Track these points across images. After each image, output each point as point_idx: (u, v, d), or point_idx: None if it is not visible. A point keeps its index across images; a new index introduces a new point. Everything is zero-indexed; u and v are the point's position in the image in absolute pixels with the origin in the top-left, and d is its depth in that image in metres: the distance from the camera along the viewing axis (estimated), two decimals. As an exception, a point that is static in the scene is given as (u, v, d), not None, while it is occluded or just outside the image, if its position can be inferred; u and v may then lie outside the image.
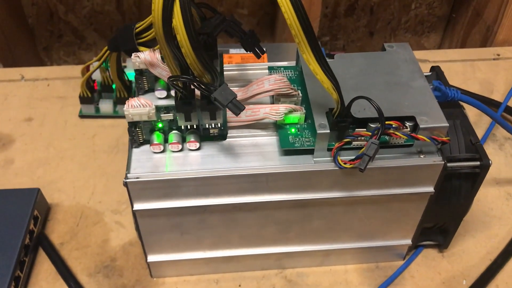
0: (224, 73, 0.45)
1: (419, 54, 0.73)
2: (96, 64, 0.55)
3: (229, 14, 0.37)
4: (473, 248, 0.49)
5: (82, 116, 0.61)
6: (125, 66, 0.60)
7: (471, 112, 0.55)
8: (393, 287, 0.46)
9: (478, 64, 0.70)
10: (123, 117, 0.62)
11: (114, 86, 0.59)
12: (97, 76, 0.59)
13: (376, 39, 0.90)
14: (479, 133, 0.60)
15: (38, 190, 0.49)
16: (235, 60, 0.63)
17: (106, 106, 0.60)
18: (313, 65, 0.33)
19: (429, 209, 0.42)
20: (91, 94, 0.59)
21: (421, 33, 0.91)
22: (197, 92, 0.36)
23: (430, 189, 0.40)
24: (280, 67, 0.44)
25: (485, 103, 0.63)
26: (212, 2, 0.78)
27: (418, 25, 0.89)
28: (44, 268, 0.47)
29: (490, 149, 0.59)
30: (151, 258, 0.44)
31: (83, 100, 0.59)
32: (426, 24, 0.89)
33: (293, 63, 0.45)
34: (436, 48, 0.93)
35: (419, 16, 0.88)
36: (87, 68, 0.57)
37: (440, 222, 0.46)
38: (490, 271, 0.46)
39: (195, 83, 0.33)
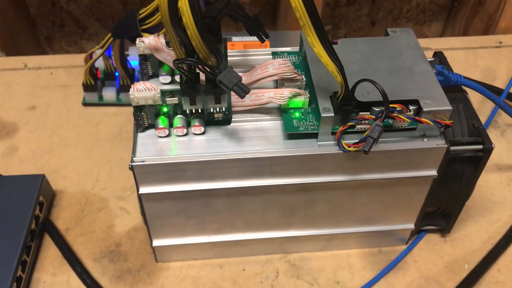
0: (228, 59, 0.45)
1: (421, 42, 0.71)
2: (99, 51, 0.55)
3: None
4: (475, 233, 0.50)
5: (85, 104, 0.61)
6: (127, 54, 0.61)
7: (473, 99, 0.55)
8: (395, 271, 0.47)
9: (480, 52, 0.70)
10: (127, 105, 0.62)
11: (117, 74, 0.59)
12: (100, 64, 0.59)
13: (377, 28, 0.90)
14: (481, 120, 0.60)
15: (43, 176, 0.49)
16: (237, 48, 0.63)
17: (109, 94, 0.60)
18: (318, 48, 0.34)
19: (432, 193, 0.42)
20: (94, 82, 0.59)
21: (422, 22, 0.91)
22: (202, 76, 0.36)
23: (433, 172, 0.40)
24: (283, 52, 0.44)
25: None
26: (214, -9, 0.78)
27: (420, 14, 0.89)
28: (50, 253, 0.47)
29: (492, 135, 0.58)
30: (156, 242, 0.44)
31: (87, 88, 0.60)
32: (428, 13, 0.89)
33: (296, 49, 0.45)
34: (438, 37, 0.93)
35: (421, 5, 0.88)
36: (90, 56, 0.57)
37: (442, 207, 0.46)
38: (492, 255, 0.47)
39: (200, 66, 0.33)
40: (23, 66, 0.66)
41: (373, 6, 0.86)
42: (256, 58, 0.46)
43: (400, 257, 0.47)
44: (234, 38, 0.64)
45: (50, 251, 0.48)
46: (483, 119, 0.60)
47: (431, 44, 0.71)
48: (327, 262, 0.47)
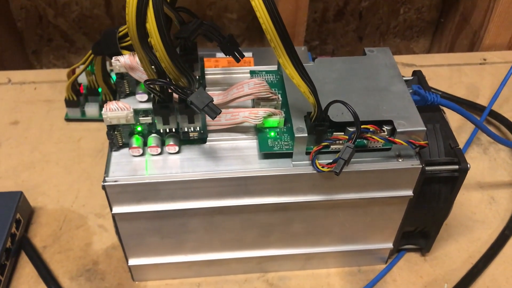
0: (208, 76, 0.45)
1: (406, 58, 0.73)
2: (81, 67, 0.55)
3: (218, 19, 0.37)
4: (455, 252, 0.49)
5: (68, 119, 0.61)
6: (111, 70, 0.60)
7: (456, 116, 0.55)
8: (375, 290, 0.46)
9: (465, 68, 0.70)
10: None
11: (100, 90, 0.59)
12: (83, 79, 0.59)
13: (365, 44, 0.90)
14: (464, 137, 0.60)
15: (21, 193, 0.49)
16: (221, 64, 0.63)
17: (92, 109, 0.60)
18: (290, 69, 0.34)
19: (409, 213, 0.42)
20: (77, 98, 0.59)
21: (410, 37, 0.91)
22: (176, 95, 0.36)
23: (409, 192, 0.40)
24: (261, 71, 0.45)
25: (470, 108, 0.64)
26: (201, 7, 0.78)
27: (407, 30, 0.90)
28: (26, 272, 0.47)
29: (474, 153, 0.59)
30: (132, 261, 0.44)
31: (69, 103, 0.59)
32: (415, 28, 0.90)
33: (275, 67, 0.45)
34: (425, 53, 0.93)
35: (408, 21, 0.88)
36: (72, 72, 0.57)
37: (420, 226, 0.46)
38: (471, 275, 0.47)
39: (171, 87, 0.33)
40: (7, 80, 0.66)
41: (361, 22, 0.87)
42: (236, 77, 0.46)
43: (379, 277, 0.47)
44: (218, 54, 0.64)
45: (26, 270, 0.47)
46: (466, 136, 0.60)
47: (416, 61, 0.71)
48: (306, 281, 0.47)
